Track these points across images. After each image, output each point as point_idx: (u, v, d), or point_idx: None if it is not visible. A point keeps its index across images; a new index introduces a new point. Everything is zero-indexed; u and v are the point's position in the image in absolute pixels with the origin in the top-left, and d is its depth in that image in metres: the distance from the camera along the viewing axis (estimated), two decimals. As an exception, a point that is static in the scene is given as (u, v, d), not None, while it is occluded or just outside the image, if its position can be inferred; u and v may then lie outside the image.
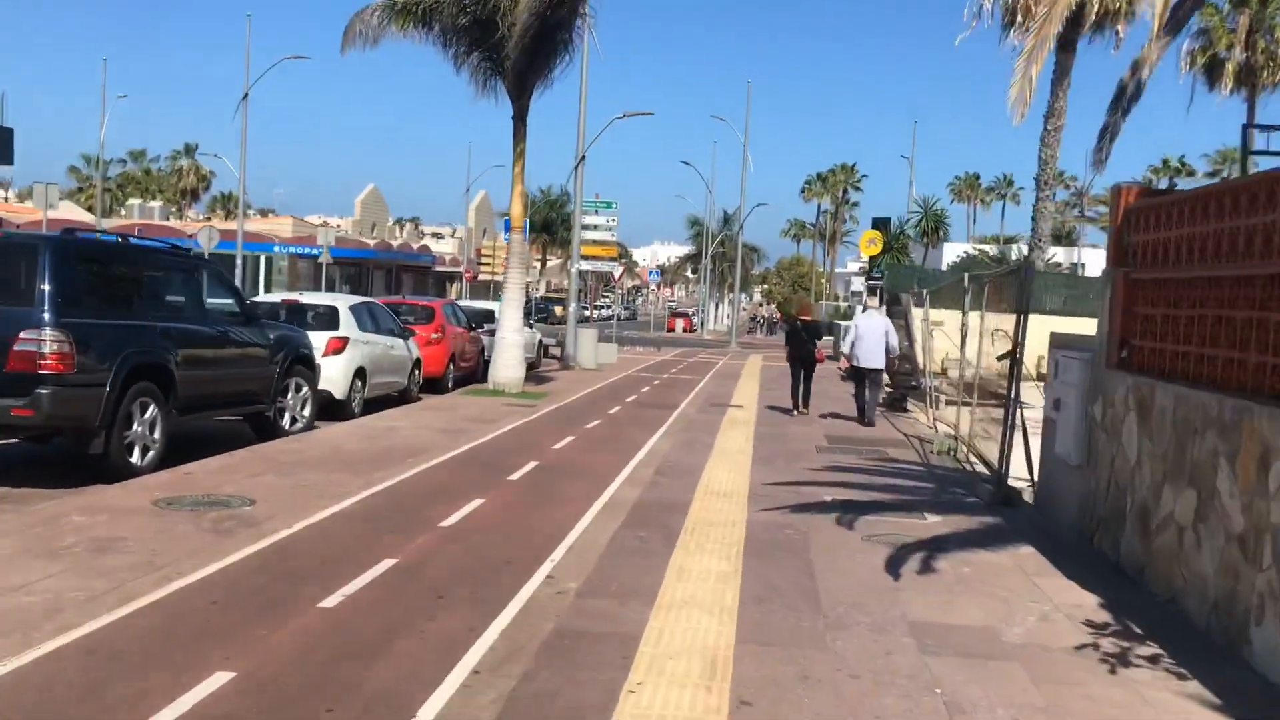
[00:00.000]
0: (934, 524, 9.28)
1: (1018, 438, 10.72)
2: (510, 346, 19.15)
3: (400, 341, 17.80)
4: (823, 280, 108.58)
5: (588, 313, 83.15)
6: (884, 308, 22.28)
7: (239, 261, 42.06)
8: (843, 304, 78.67)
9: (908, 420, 18.38)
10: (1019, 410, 10.63)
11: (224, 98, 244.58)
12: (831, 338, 35.91)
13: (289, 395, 13.35)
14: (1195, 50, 39.02)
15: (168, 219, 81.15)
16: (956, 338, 17.46)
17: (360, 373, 15.97)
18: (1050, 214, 31.07)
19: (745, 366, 32.32)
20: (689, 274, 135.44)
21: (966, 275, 15.14)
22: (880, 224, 45.10)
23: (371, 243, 69.51)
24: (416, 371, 18.54)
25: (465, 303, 26.17)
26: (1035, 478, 10.73)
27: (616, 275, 41.75)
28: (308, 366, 13.76)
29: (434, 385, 19.63)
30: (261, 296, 19.09)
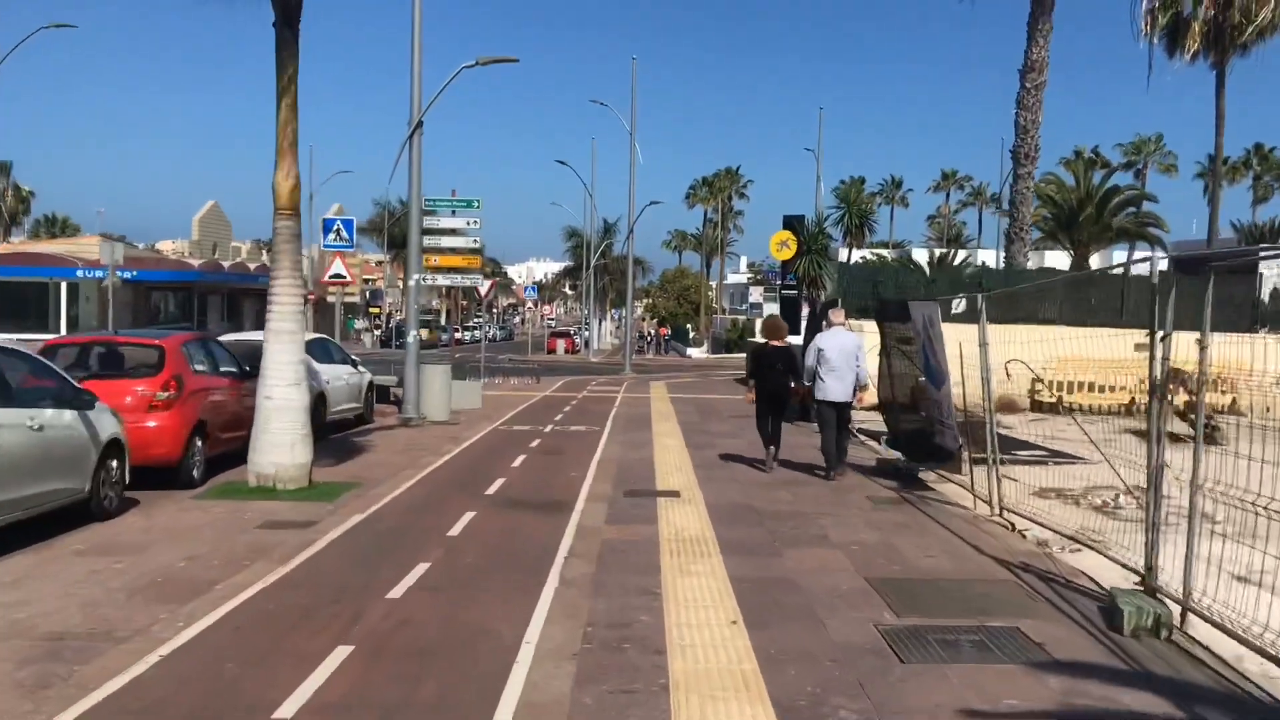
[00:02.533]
0: None
1: None
2: (279, 412, 11.30)
3: (68, 415, 9.86)
4: (709, 292, 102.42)
5: (457, 335, 75.07)
6: (833, 322, 15.19)
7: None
8: (740, 318, 72.11)
9: (950, 511, 11.15)
10: None
11: (36, 103, 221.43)
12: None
13: None
14: (1156, 7, 33.07)
15: (-36, 244, 70.08)
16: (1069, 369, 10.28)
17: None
18: (1031, 195, 24.47)
19: (653, 403, 24.86)
20: (568, 290, 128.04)
21: (1157, 260, 7.94)
22: (793, 223, 38.26)
23: (197, 263, 60.10)
24: (114, 463, 10.57)
25: (242, 336, 18.03)
26: None
27: (483, 291, 33.93)
28: None
29: (170, 476, 11.80)
30: None
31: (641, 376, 38.40)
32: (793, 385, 13.47)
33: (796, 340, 24.12)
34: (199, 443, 12.58)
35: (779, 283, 79.13)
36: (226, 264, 65.97)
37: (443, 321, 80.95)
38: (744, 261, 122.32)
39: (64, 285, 53.89)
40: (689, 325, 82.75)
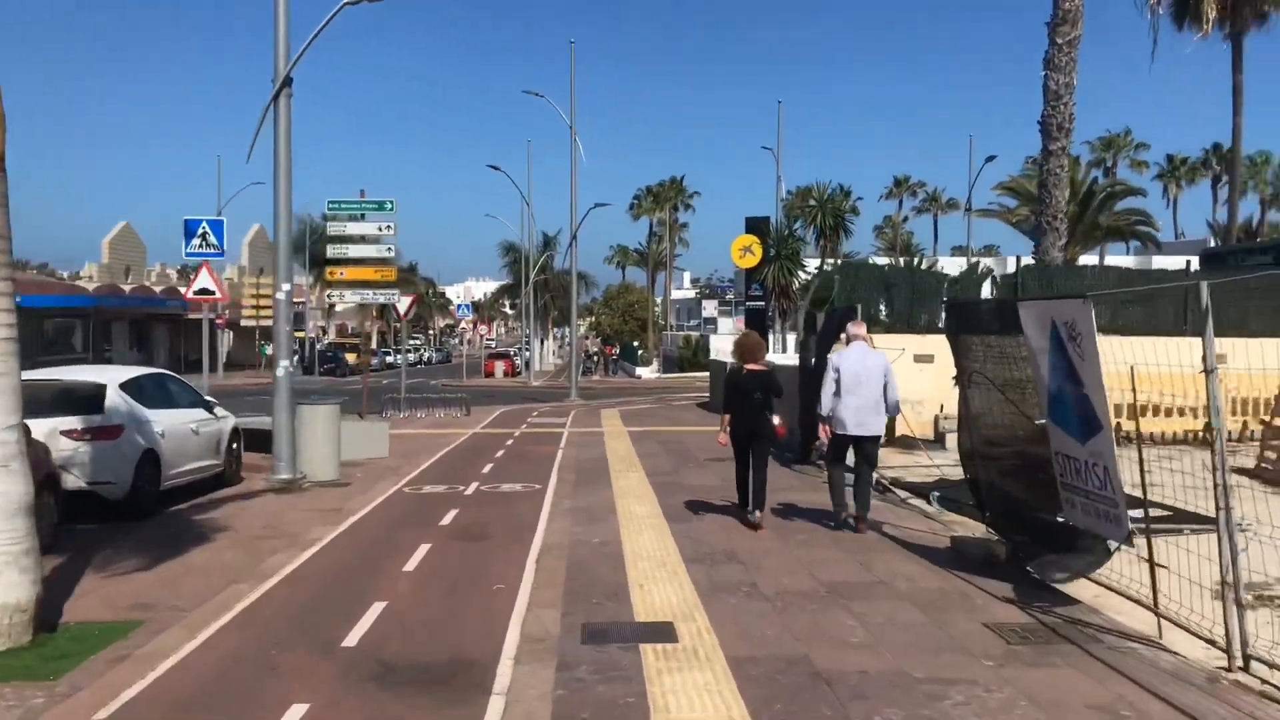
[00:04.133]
0: None
1: None
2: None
3: None
4: (655, 308, 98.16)
5: (390, 358, 69.68)
6: (853, 336, 10.99)
7: None
8: (694, 335, 67.59)
9: (1153, 663, 6.59)
10: None
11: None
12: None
13: None
14: (1161, -25, 29.07)
15: None
16: None
17: None
18: (1066, 177, 20.12)
19: (607, 441, 20.09)
20: (507, 309, 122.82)
21: None
22: (758, 225, 33.79)
23: (91, 286, 54.32)
24: None
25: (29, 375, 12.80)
26: None
27: (402, 309, 28.98)
28: None
29: None
30: None
31: (590, 403, 33.64)
32: (777, 421, 10.81)
33: (786, 360, 19.62)
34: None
35: (730, 294, 74.60)
36: (127, 287, 60.14)
37: (373, 344, 75.44)
38: (687, 277, 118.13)
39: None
40: (636, 343, 78.13)
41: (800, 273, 33.37)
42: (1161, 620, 7.02)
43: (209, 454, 14.08)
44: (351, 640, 6.81)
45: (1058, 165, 19.29)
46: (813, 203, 37.79)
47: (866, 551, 9.44)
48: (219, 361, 59.72)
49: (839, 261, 24.29)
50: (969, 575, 8.49)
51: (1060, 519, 8.23)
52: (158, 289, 62.53)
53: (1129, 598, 7.55)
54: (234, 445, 15.01)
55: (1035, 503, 8.66)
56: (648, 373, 62.15)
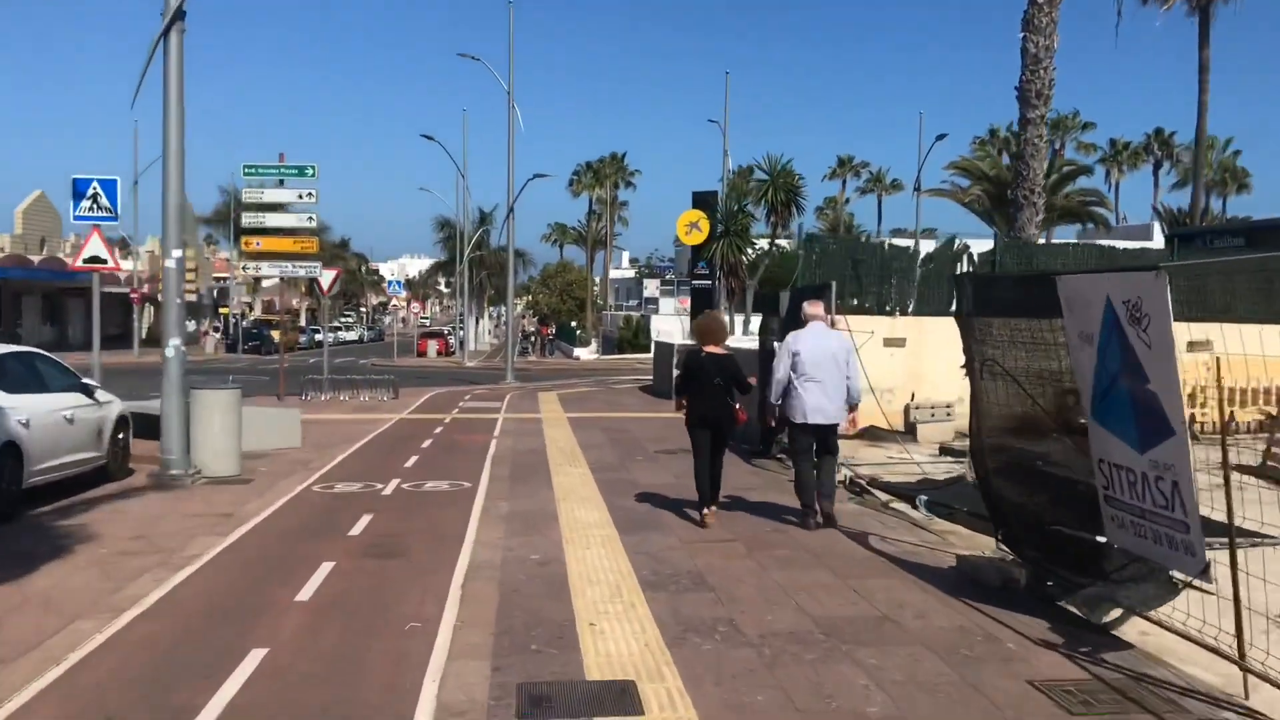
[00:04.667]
0: None
1: None
2: None
3: None
4: (594, 287, 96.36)
5: (319, 336, 67.06)
6: (810, 316, 9.78)
7: None
8: (634, 315, 66.02)
9: None
10: None
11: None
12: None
13: None
14: (1127, -57, 28.00)
15: None
16: None
17: None
18: (1045, 147, 18.81)
19: (546, 429, 18.41)
20: (442, 287, 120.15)
21: None
22: (705, 199, 32.27)
23: (-3, 256, 51.27)
24: None
25: None
26: None
27: (325, 283, 26.98)
28: None
29: None
30: None
31: (527, 386, 31.89)
32: (738, 406, 9.80)
33: (736, 344, 18.15)
34: None
35: (670, 274, 72.88)
36: (36, 258, 57.08)
37: (302, 322, 72.75)
38: (626, 257, 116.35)
39: None
40: (574, 323, 76.30)
41: (750, 250, 31.87)
42: (1245, 675, 5.61)
43: (88, 445, 12.20)
44: (211, 711, 5.12)
45: (1036, 134, 17.98)
46: (764, 176, 36.17)
47: (859, 574, 7.93)
48: (135, 338, 56.96)
49: (802, 237, 22.79)
50: (987, 607, 7.02)
51: (1101, 539, 6.82)
52: (69, 261, 59.44)
53: (1189, 638, 6.15)
54: (120, 434, 13.13)
55: (1067, 519, 7.20)
56: (586, 354, 60.47)
